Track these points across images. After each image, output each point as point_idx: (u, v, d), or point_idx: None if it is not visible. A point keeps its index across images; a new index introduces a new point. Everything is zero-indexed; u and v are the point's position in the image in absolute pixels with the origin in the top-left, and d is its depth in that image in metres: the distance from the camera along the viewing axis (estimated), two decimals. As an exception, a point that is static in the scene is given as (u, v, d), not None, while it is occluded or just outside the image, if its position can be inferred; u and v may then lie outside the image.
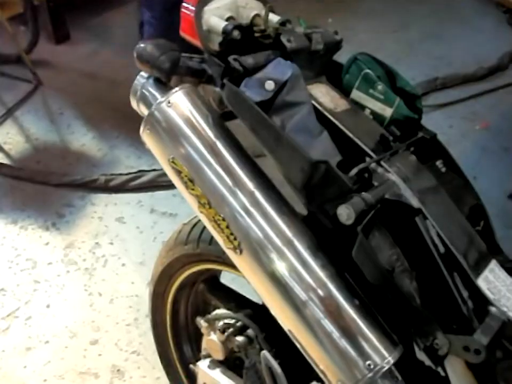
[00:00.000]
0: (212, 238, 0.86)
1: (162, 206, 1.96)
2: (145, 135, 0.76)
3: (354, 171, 0.64)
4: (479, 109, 2.50)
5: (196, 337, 1.10)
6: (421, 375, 0.69)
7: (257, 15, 0.77)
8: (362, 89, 0.75)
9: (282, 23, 0.77)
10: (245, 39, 0.73)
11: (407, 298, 0.61)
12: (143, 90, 0.78)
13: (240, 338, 0.87)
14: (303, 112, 0.70)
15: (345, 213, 0.60)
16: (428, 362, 0.64)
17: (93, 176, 2.06)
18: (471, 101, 2.54)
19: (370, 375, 0.62)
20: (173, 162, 0.73)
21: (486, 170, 2.11)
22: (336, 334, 0.64)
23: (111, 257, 1.79)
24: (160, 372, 1.26)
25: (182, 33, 0.78)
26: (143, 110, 0.78)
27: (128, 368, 1.47)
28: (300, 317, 0.65)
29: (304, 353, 0.67)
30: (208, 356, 0.95)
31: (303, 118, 0.69)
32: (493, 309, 0.60)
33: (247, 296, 0.96)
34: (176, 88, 0.74)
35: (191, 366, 1.01)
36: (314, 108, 0.71)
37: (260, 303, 0.83)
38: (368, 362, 0.63)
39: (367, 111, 0.75)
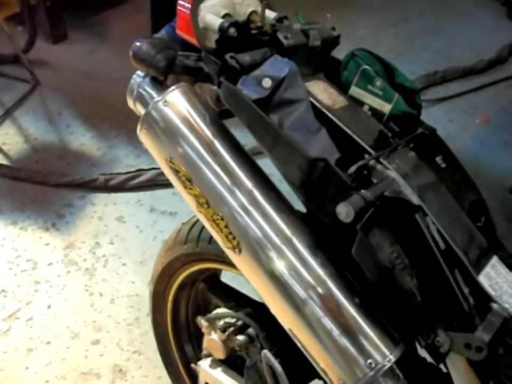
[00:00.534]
0: (211, 237, 0.85)
1: (161, 205, 1.96)
2: (142, 134, 0.75)
3: (353, 168, 0.63)
4: (479, 103, 2.49)
5: (197, 336, 1.10)
6: (423, 373, 0.69)
7: (253, 12, 0.77)
8: (361, 85, 0.74)
9: (279, 20, 0.76)
10: (241, 36, 0.72)
11: (408, 296, 0.61)
12: (140, 90, 0.77)
13: (241, 337, 0.87)
14: (301, 109, 0.69)
15: (344, 211, 0.59)
16: (429, 359, 0.64)
17: (92, 175, 2.06)
18: (471, 94, 2.53)
19: (371, 373, 0.62)
20: (170, 162, 0.72)
21: (486, 165, 2.11)
22: (336, 332, 0.63)
23: (112, 257, 1.78)
24: (161, 371, 1.26)
25: (178, 31, 0.78)
26: (140, 110, 0.78)
27: (129, 368, 1.47)
28: (300, 315, 0.65)
29: (304, 352, 0.67)
30: (209, 355, 0.95)
31: (301, 116, 0.69)
32: (494, 305, 0.60)
33: (249, 294, 0.95)
34: (173, 87, 0.73)
35: (193, 365, 1.01)
36: (312, 105, 0.70)
37: (261, 301, 0.83)
38: (369, 360, 0.62)
39: (366, 108, 0.74)
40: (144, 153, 2.14)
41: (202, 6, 0.74)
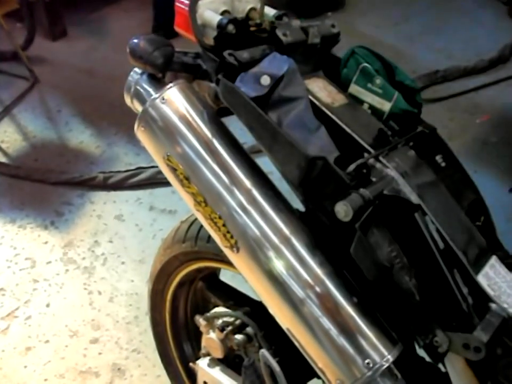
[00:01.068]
0: (210, 235, 0.85)
1: (161, 203, 1.96)
2: (139, 132, 0.75)
3: (352, 167, 0.63)
4: (480, 102, 2.48)
5: (196, 335, 1.09)
6: (421, 373, 0.68)
7: (252, 9, 0.76)
8: (360, 83, 0.74)
9: (278, 17, 0.76)
10: (240, 33, 0.72)
11: (407, 295, 0.61)
12: (137, 87, 0.77)
13: (239, 337, 0.86)
14: (300, 107, 0.68)
15: (342, 210, 0.59)
16: (427, 359, 0.64)
17: (92, 173, 2.06)
18: (472, 93, 2.53)
19: (369, 373, 0.62)
20: (168, 159, 0.72)
21: (486, 164, 2.10)
22: (334, 332, 0.63)
23: (110, 256, 1.78)
24: (160, 370, 1.26)
25: (176, 28, 0.77)
26: (137, 107, 0.77)
27: (128, 366, 1.47)
28: (298, 315, 0.64)
29: (302, 352, 0.67)
30: (208, 354, 0.95)
31: (300, 114, 0.68)
32: (493, 305, 0.60)
33: (248, 293, 0.95)
34: (171, 84, 0.73)
35: (191, 364, 1.01)
36: (311, 102, 0.70)
37: (259, 300, 0.82)
38: (367, 360, 0.62)
39: (365, 106, 0.73)
40: (143, 151, 2.11)
41: (200, 2, 0.74)
